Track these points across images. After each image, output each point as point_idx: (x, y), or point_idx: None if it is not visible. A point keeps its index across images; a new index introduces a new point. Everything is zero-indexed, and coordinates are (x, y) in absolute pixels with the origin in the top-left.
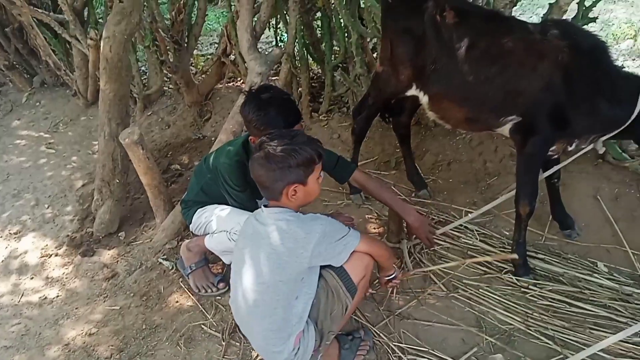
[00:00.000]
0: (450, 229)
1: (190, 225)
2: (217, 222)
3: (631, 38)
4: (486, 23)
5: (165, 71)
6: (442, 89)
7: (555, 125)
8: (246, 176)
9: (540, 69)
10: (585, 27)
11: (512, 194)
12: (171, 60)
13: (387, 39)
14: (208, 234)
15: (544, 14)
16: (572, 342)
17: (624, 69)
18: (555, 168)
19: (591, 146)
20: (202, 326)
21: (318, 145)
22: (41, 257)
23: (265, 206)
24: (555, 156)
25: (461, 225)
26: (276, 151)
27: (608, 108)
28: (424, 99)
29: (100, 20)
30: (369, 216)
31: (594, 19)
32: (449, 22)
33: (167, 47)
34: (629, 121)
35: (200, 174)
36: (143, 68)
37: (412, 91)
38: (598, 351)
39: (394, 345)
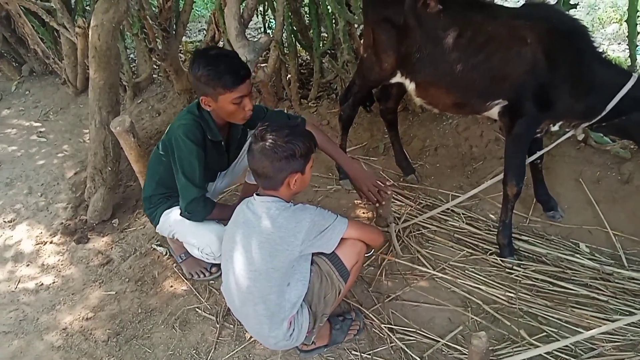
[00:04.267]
0: (437, 213)
1: (157, 227)
2: (182, 235)
3: (617, 22)
4: (469, 10)
5: (154, 59)
6: (429, 76)
7: (540, 106)
8: (203, 135)
9: (524, 53)
10: (570, 10)
11: (498, 178)
12: (160, 47)
13: (368, 27)
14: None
15: None
16: (554, 320)
17: (606, 56)
18: (539, 154)
19: (571, 133)
20: (197, 309)
21: (312, 136)
22: (36, 244)
23: (257, 194)
24: (540, 135)
25: (448, 208)
26: (283, 141)
27: (585, 93)
28: (410, 86)
29: (87, 8)
30: (358, 201)
31: (574, 5)
32: (431, 10)
33: (156, 35)
34: (604, 112)
35: (154, 165)
36: (132, 56)
37: (397, 78)
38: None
39: (384, 325)
